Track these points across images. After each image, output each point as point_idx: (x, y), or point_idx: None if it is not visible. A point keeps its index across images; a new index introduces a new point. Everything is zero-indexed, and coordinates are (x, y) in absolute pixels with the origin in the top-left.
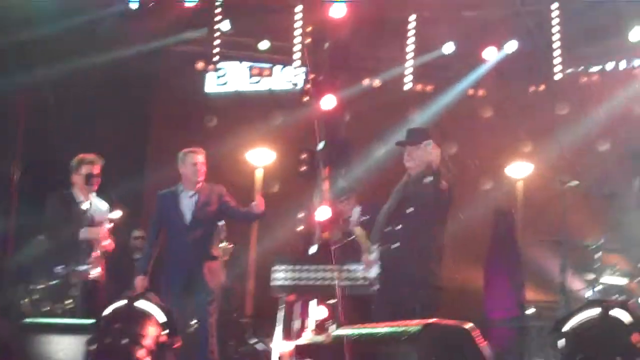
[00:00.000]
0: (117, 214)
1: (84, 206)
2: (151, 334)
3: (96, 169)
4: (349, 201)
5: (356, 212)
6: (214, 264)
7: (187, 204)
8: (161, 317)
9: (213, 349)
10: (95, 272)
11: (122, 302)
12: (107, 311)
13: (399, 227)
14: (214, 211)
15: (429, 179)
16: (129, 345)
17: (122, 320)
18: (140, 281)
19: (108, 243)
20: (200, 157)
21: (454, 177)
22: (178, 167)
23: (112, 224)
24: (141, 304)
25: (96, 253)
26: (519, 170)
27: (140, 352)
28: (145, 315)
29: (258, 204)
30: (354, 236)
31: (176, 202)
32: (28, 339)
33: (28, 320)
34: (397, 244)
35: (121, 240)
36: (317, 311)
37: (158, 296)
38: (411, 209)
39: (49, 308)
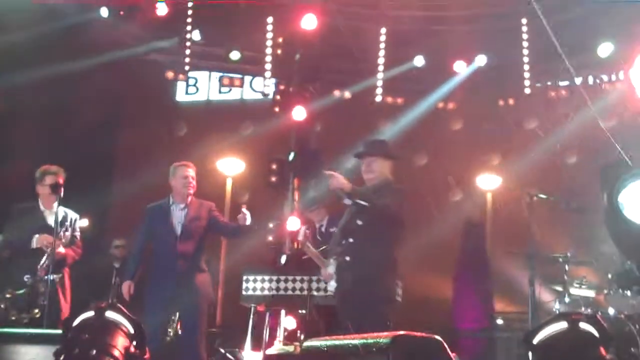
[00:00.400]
0: (84, 222)
1: (47, 216)
2: (120, 345)
3: (60, 179)
4: (318, 211)
5: (302, 230)
6: (203, 277)
7: (178, 216)
8: (130, 328)
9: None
10: (53, 277)
11: (91, 313)
12: (76, 321)
13: (352, 240)
14: (203, 226)
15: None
16: (98, 356)
17: (91, 330)
18: (127, 287)
19: (64, 251)
20: (190, 171)
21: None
22: (169, 180)
23: (77, 233)
24: (110, 314)
25: (51, 260)
26: (488, 183)
27: None
28: (114, 326)
29: (244, 217)
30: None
31: (166, 215)
32: None
33: None
34: (349, 257)
35: (93, 248)
36: (287, 321)
37: (142, 307)
38: (361, 222)
39: (14, 318)
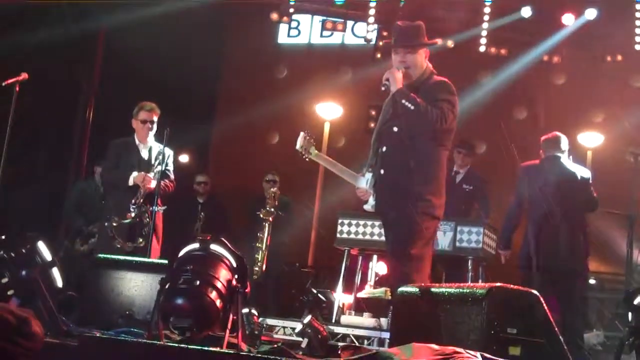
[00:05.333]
0: (184, 158)
1: (141, 150)
2: (223, 277)
3: (153, 115)
4: (465, 156)
5: (302, 135)
6: None
7: None
8: (233, 262)
9: None
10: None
11: (196, 245)
12: (181, 252)
13: (385, 149)
14: None
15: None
16: (201, 286)
17: (195, 262)
18: None
19: (158, 186)
20: None
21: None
22: None
23: (169, 167)
24: (215, 247)
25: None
26: (589, 140)
27: (212, 294)
28: (218, 259)
29: None
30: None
31: None
32: (101, 273)
33: (102, 255)
34: (384, 170)
35: (187, 184)
36: (378, 267)
37: None
38: (397, 129)
39: (119, 245)
